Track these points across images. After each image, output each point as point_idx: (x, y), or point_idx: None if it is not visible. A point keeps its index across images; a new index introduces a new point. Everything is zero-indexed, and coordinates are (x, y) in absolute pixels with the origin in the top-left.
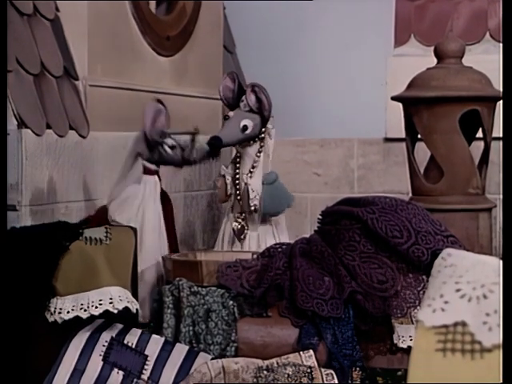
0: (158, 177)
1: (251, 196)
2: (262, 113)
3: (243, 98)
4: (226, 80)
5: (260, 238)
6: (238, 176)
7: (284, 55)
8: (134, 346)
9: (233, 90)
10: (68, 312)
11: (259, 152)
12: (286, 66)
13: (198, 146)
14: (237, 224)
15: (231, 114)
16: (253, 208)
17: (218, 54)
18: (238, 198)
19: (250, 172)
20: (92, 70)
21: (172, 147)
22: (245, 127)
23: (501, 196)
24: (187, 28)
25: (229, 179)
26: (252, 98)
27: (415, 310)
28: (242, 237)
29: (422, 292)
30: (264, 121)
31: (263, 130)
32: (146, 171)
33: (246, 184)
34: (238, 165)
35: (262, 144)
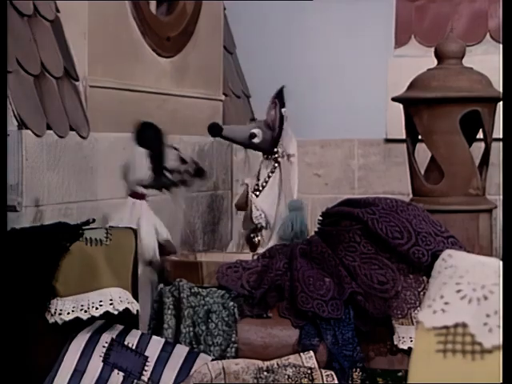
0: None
1: (254, 214)
2: (273, 129)
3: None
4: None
5: None
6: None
7: (284, 56)
8: (134, 347)
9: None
10: (68, 313)
11: (271, 172)
12: (286, 67)
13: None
14: (248, 234)
15: (258, 120)
16: (258, 225)
17: (219, 54)
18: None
19: (259, 190)
20: (92, 70)
21: (172, 172)
22: (252, 134)
23: (501, 197)
24: (187, 29)
25: (249, 190)
26: (271, 114)
27: (415, 311)
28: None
29: (422, 293)
30: (274, 140)
31: (275, 150)
32: (136, 196)
33: (250, 201)
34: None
35: (276, 165)
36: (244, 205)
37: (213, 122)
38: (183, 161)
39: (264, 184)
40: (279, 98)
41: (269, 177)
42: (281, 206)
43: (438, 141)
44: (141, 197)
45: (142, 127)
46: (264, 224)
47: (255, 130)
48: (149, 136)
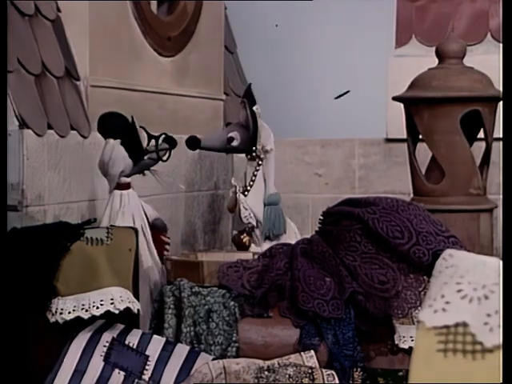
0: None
1: (243, 214)
2: (248, 128)
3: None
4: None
5: None
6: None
7: (285, 55)
8: (135, 347)
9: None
10: (69, 312)
11: (256, 170)
12: (287, 66)
13: (160, 145)
14: (236, 236)
15: (232, 123)
16: (248, 225)
17: (219, 54)
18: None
19: (246, 190)
20: (93, 70)
21: (145, 153)
22: (230, 138)
23: (501, 196)
24: (188, 28)
25: (237, 191)
26: (243, 114)
27: (416, 311)
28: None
29: (423, 292)
30: (253, 138)
31: (254, 148)
32: (123, 187)
33: (239, 201)
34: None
35: (260, 163)
36: (234, 207)
37: (190, 135)
38: (152, 137)
39: (251, 183)
40: (248, 97)
41: (254, 175)
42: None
43: (438, 140)
44: (126, 187)
45: (104, 119)
46: (254, 223)
47: (232, 134)
48: (115, 125)
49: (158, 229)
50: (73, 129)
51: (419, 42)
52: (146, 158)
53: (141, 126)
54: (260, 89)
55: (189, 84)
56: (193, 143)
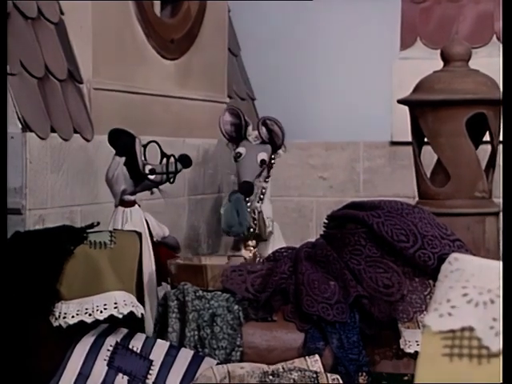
0: (138, 205)
1: (267, 223)
2: (274, 142)
3: (250, 131)
4: (226, 115)
5: None
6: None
7: (289, 58)
8: (138, 351)
9: (234, 124)
10: (73, 316)
11: (268, 177)
12: (291, 69)
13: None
14: (248, 252)
15: (242, 150)
16: (268, 234)
17: (223, 57)
18: (254, 226)
19: (261, 199)
20: (96, 73)
21: (152, 172)
22: (263, 161)
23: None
24: (192, 31)
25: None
26: (264, 131)
27: (421, 315)
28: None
29: (428, 296)
30: (274, 149)
31: (272, 156)
32: (126, 204)
33: (260, 212)
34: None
35: (271, 168)
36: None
37: (244, 180)
38: (164, 155)
39: (263, 191)
40: (265, 118)
41: (266, 182)
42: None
43: (443, 143)
44: (130, 204)
45: (112, 135)
46: (273, 231)
47: (262, 156)
48: (121, 142)
49: (168, 247)
50: (76, 132)
51: (424, 44)
52: (152, 177)
53: (153, 141)
54: (264, 91)
55: (192, 87)
56: (250, 189)
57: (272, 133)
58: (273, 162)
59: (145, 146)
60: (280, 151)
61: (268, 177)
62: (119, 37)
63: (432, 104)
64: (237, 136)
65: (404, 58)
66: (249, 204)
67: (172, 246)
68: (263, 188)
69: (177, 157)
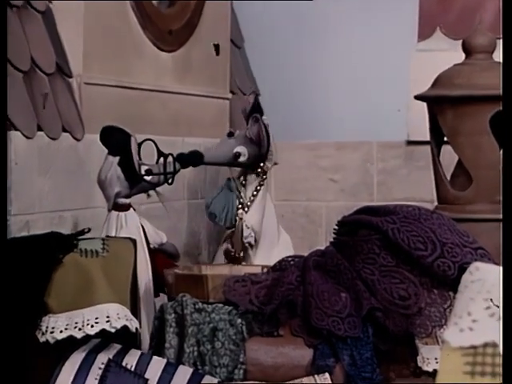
0: (133, 209)
1: (245, 233)
2: (260, 147)
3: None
4: (250, 96)
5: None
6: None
7: (296, 50)
8: (133, 369)
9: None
10: (61, 331)
11: (260, 185)
12: (299, 62)
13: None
14: (228, 252)
15: (237, 133)
16: (247, 245)
17: (225, 49)
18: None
19: (247, 206)
20: (87, 66)
21: (148, 173)
22: (237, 154)
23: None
24: (191, 21)
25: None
26: (254, 130)
27: (441, 330)
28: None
29: (448, 310)
30: (261, 155)
31: (262, 165)
32: (120, 208)
33: (240, 219)
34: (238, 198)
35: (265, 177)
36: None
37: (192, 150)
38: (162, 154)
39: (252, 198)
40: (258, 110)
41: (257, 190)
42: (265, 219)
43: (464, 143)
44: (124, 208)
45: (104, 133)
46: (253, 242)
47: (239, 149)
48: (114, 141)
49: (166, 255)
50: (65, 131)
51: (444, 34)
52: (149, 178)
53: (149, 139)
54: (269, 87)
55: (191, 82)
56: (195, 159)
57: (259, 136)
58: (262, 169)
59: (140, 145)
60: (267, 163)
61: (260, 185)
62: (112, 27)
63: (452, 100)
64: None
65: (422, 49)
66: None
67: (170, 254)
68: (253, 195)
69: (174, 155)
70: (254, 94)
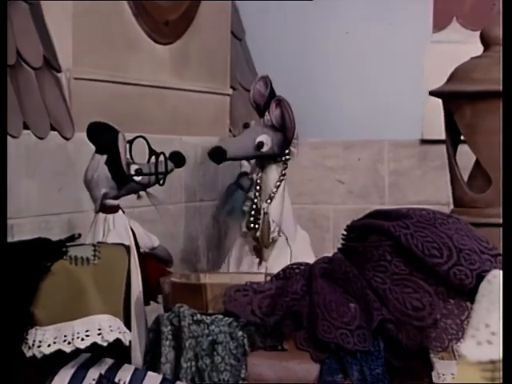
0: (122, 211)
1: (272, 228)
2: (285, 132)
3: (267, 111)
4: (259, 83)
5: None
6: (256, 201)
7: (301, 42)
8: None
9: (264, 96)
10: (49, 345)
11: (283, 176)
12: (304, 55)
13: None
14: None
15: (252, 123)
16: (271, 241)
17: (225, 41)
18: (257, 228)
19: (270, 198)
20: (77, 60)
21: (138, 173)
22: (260, 144)
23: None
24: (189, 11)
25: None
26: (276, 114)
27: (458, 343)
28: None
29: (465, 321)
30: (286, 142)
31: (286, 152)
32: (108, 209)
33: (265, 214)
34: (258, 190)
35: (286, 167)
36: (255, 223)
37: (214, 146)
38: (153, 153)
39: (275, 190)
40: (272, 91)
41: (280, 181)
42: (284, 212)
43: (482, 141)
44: (112, 210)
45: (90, 130)
46: (277, 237)
47: (262, 138)
48: (102, 139)
49: (158, 260)
50: (53, 129)
51: (461, 25)
52: (138, 178)
53: (140, 136)
54: (272, 81)
55: (189, 76)
56: (218, 155)
57: (284, 121)
58: (287, 157)
59: (130, 143)
60: (292, 148)
61: (283, 175)
62: (104, 18)
63: (469, 96)
64: (265, 111)
65: (437, 41)
66: (255, 201)
67: (162, 259)
68: (275, 187)
69: (167, 155)
70: (264, 79)
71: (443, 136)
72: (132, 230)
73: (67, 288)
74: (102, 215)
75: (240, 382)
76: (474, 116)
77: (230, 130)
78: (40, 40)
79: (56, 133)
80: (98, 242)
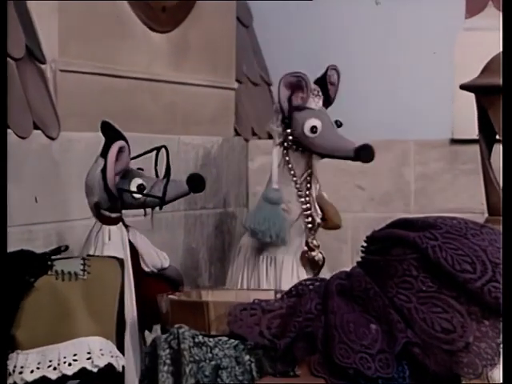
0: (124, 223)
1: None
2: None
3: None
4: (287, 78)
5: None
6: (308, 192)
7: (315, 31)
8: None
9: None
10: (32, 371)
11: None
12: (319, 45)
13: (171, 182)
14: (318, 254)
15: (316, 122)
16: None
17: (230, 28)
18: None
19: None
20: (64, 50)
21: (140, 189)
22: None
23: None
24: None
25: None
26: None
27: (492, 369)
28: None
29: (501, 345)
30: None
31: None
32: (106, 220)
33: (320, 222)
34: (309, 178)
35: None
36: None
37: (364, 144)
38: (168, 170)
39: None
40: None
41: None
42: None
43: None
44: (111, 221)
45: (102, 127)
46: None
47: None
48: (105, 142)
49: (168, 282)
50: (37, 128)
51: (497, 9)
52: (139, 196)
53: (163, 147)
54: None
55: (190, 68)
56: (370, 154)
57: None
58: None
59: (157, 151)
60: None
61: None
62: (94, 4)
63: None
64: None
65: (470, 28)
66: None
67: (173, 281)
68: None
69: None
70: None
71: (476, 135)
72: (133, 244)
73: (52, 306)
74: (97, 226)
75: None
76: None
77: (235, 129)
78: (22, 27)
79: (40, 132)
80: (88, 255)
